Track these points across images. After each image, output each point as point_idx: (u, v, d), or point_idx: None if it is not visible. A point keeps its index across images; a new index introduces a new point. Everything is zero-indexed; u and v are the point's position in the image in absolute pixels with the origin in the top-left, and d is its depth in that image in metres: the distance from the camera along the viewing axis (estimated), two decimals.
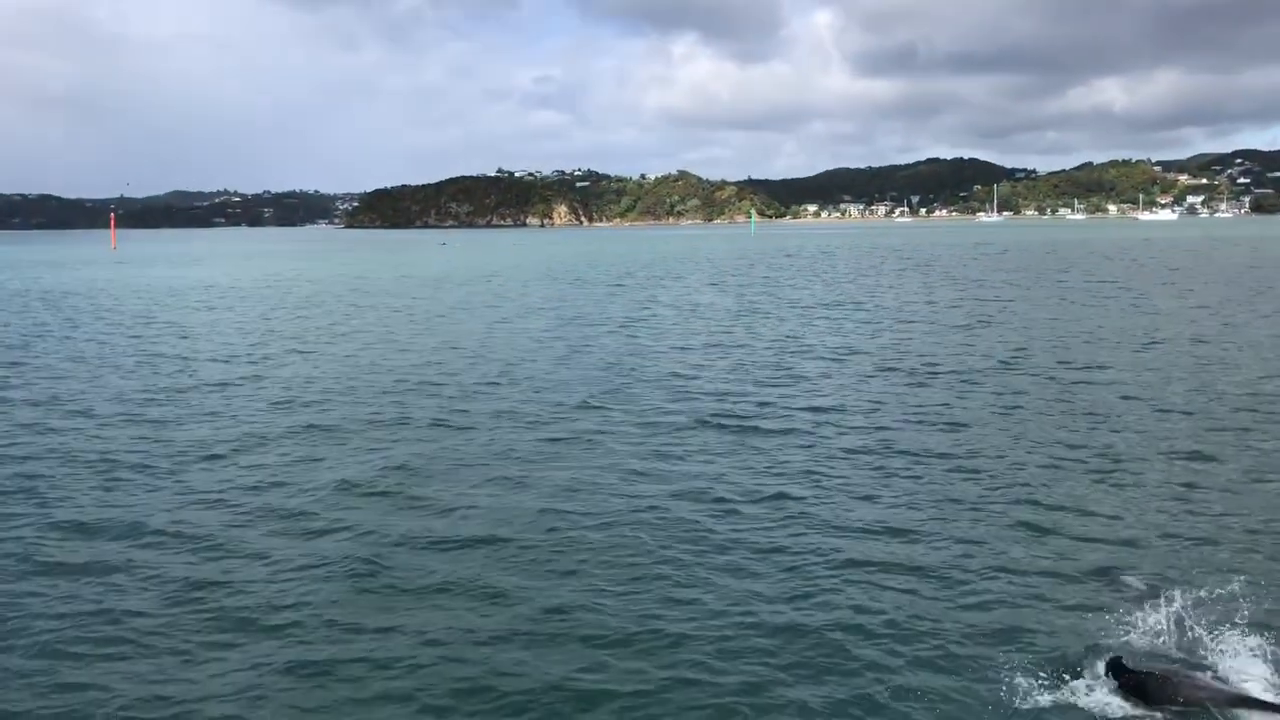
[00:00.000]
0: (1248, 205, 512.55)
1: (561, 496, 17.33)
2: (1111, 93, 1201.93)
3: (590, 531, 15.37)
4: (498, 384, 29.04)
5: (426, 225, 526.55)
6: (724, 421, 23.03)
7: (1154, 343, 35.21)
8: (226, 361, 34.48)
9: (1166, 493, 16.75)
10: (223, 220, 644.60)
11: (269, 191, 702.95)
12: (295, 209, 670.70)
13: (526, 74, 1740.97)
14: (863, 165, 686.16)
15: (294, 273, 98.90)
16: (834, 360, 32.78)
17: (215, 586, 13.43)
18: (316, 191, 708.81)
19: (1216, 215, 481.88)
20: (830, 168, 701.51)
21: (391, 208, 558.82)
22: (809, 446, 20.54)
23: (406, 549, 14.87)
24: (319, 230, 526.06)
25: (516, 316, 50.12)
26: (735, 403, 25.32)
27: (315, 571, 13.95)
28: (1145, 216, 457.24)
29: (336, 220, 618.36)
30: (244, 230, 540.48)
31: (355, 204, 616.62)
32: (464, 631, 12.00)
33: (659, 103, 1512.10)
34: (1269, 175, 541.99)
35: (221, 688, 10.71)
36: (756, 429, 22.27)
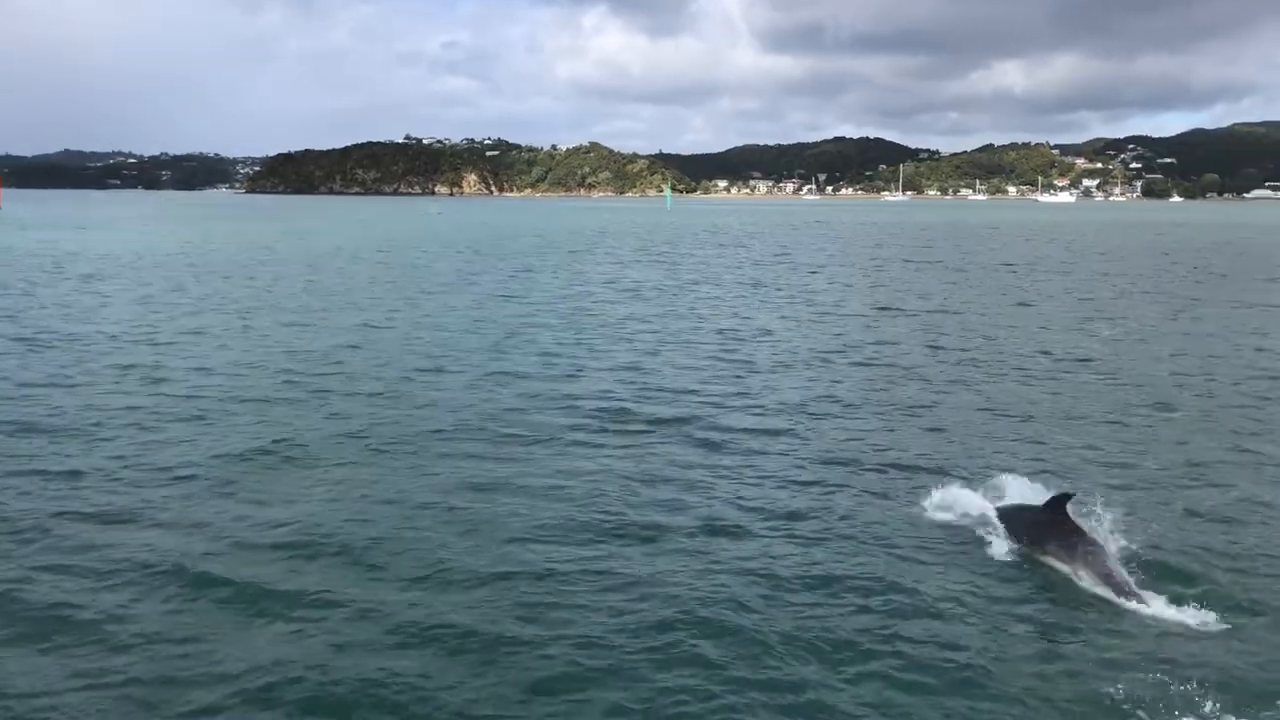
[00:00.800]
0: (1139, 190, 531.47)
1: (472, 499, 15.26)
2: (1011, 76, 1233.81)
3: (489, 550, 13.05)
4: (418, 374, 26.23)
5: (332, 191, 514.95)
6: (677, 422, 20.78)
7: (1088, 320, 34.34)
8: (112, 339, 31.00)
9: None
10: (117, 182, 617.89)
11: (166, 153, 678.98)
12: (194, 172, 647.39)
13: (436, 39, 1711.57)
14: (771, 142, 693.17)
15: (189, 240, 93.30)
16: (786, 351, 30.84)
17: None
18: (216, 155, 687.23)
19: (1111, 199, 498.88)
20: (739, 144, 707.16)
21: (295, 173, 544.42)
22: (782, 454, 18.49)
23: (268, 552, 13.17)
24: (219, 195, 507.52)
25: (440, 292, 47.13)
26: (686, 398, 23.11)
27: (152, 577, 12.44)
28: (1045, 198, 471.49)
29: (237, 185, 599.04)
30: (140, 193, 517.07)
31: (257, 168, 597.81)
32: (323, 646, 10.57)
33: (570, 73, 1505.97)
34: (1159, 161, 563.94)
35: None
36: (715, 430, 20.10)
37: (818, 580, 12.38)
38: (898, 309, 40.97)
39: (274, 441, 18.68)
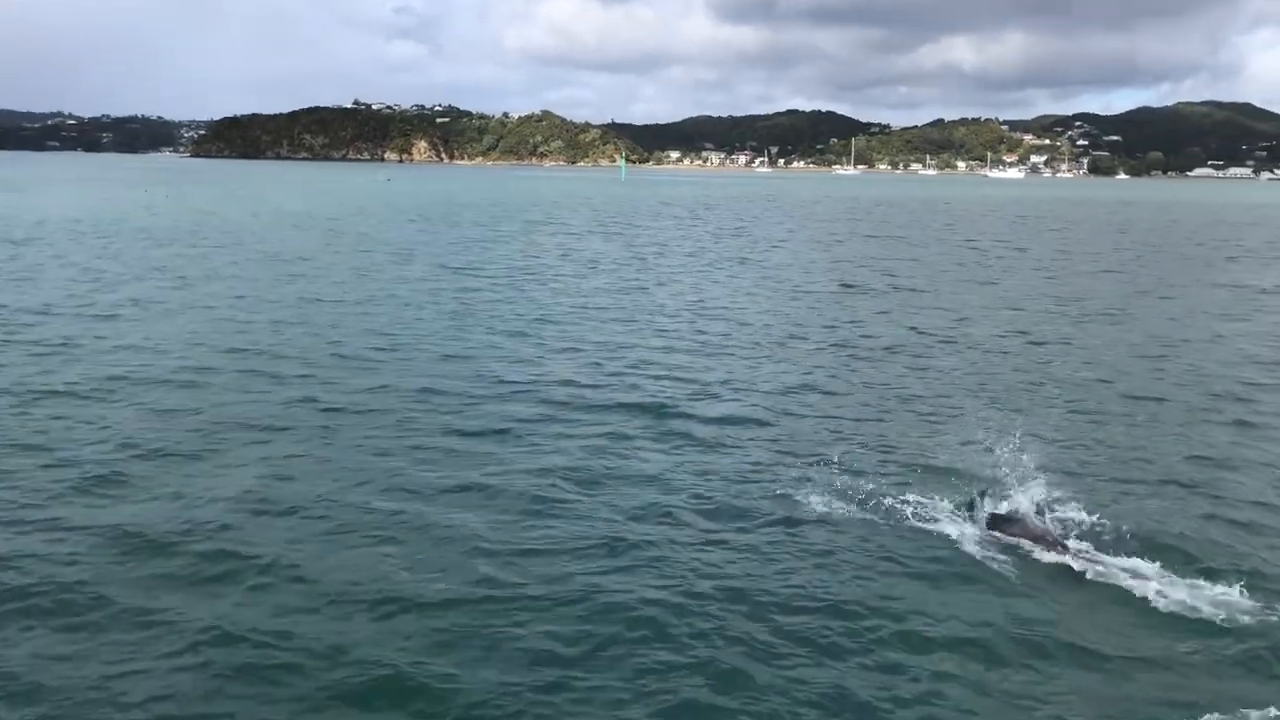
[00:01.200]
0: (1085, 167, 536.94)
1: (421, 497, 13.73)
2: (961, 51, 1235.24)
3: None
4: (371, 354, 24.65)
5: (279, 156, 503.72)
6: (655, 410, 19.52)
7: (1060, 301, 33.59)
8: (41, 313, 28.93)
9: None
10: (56, 144, 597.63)
11: (108, 115, 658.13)
12: (137, 135, 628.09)
13: (386, 3, 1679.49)
14: (724, 114, 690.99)
15: (130, 205, 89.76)
16: (761, 332, 29.67)
17: None
18: (160, 117, 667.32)
19: (1058, 175, 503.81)
20: (692, 115, 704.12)
21: (241, 137, 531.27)
22: (766, 447, 17.32)
23: (181, 562, 11.85)
24: (163, 158, 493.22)
25: (392, 264, 45.17)
26: (663, 384, 21.88)
27: (46, 591, 11.08)
28: (994, 174, 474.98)
29: (182, 149, 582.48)
30: (79, 156, 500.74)
31: (202, 132, 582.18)
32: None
33: (521, 40, 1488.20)
34: (1105, 139, 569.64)
35: None
36: (697, 422, 18.86)
37: (823, 607, 11.15)
38: (870, 288, 39.97)
39: (202, 434, 17.13)
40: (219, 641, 10.05)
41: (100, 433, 17.02)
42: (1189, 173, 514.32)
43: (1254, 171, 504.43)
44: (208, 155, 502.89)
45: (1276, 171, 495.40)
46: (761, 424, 18.58)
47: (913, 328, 29.89)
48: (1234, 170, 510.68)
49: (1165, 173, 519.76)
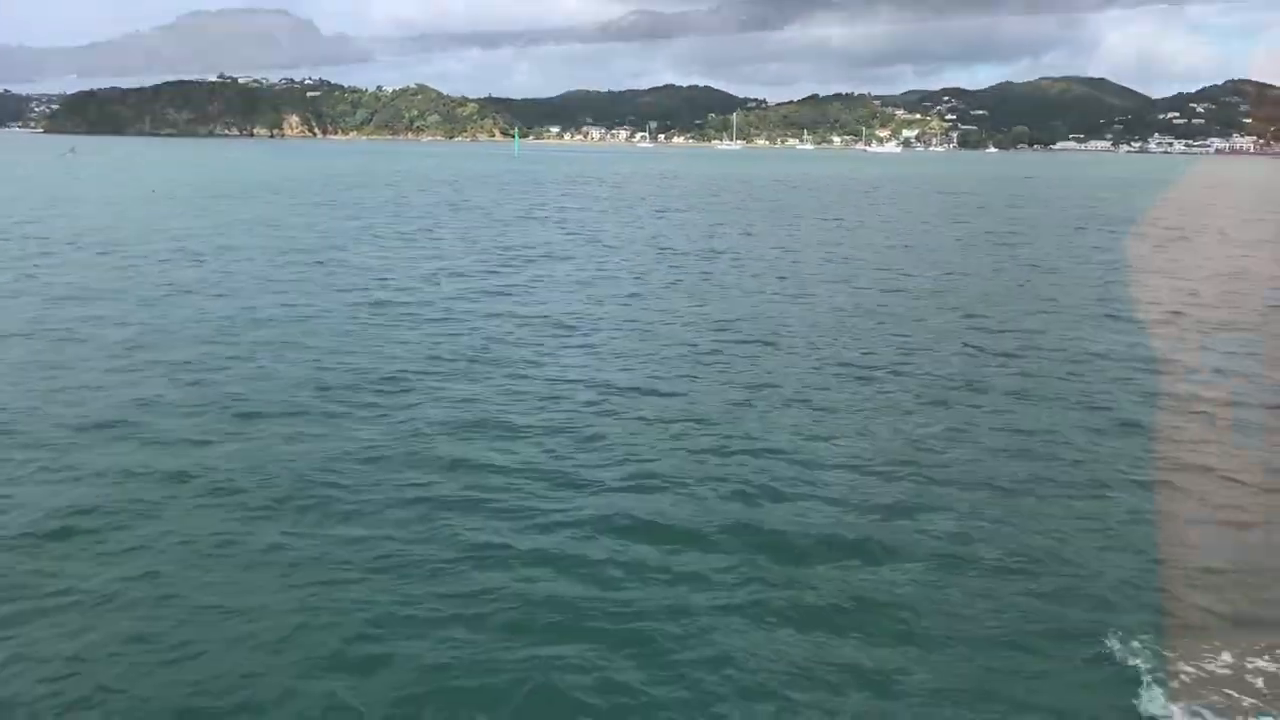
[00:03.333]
0: (955, 141, 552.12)
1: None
2: (830, 27, 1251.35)
3: None
4: (321, 403, 21.02)
5: (141, 133, 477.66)
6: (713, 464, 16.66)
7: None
8: None
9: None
10: None
11: None
12: None
13: None
14: (601, 89, 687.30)
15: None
16: (766, 343, 26.84)
17: None
18: (6, 91, 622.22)
19: (931, 149, 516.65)
20: (569, 89, 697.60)
21: (100, 112, 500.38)
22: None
23: None
24: (13, 135, 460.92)
25: (350, 287, 40.72)
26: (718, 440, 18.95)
27: None
28: (874, 149, 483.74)
29: (33, 124, 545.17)
30: None
31: (55, 106, 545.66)
32: None
33: (391, 13, 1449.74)
34: (972, 113, 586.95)
35: None
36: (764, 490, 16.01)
37: None
38: (892, 286, 37.62)
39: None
40: None
41: None
42: (1053, 146, 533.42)
43: (1113, 144, 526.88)
44: (64, 131, 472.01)
45: (1134, 144, 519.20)
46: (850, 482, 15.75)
47: (974, 346, 27.49)
48: (1094, 143, 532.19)
49: (1031, 146, 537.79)
